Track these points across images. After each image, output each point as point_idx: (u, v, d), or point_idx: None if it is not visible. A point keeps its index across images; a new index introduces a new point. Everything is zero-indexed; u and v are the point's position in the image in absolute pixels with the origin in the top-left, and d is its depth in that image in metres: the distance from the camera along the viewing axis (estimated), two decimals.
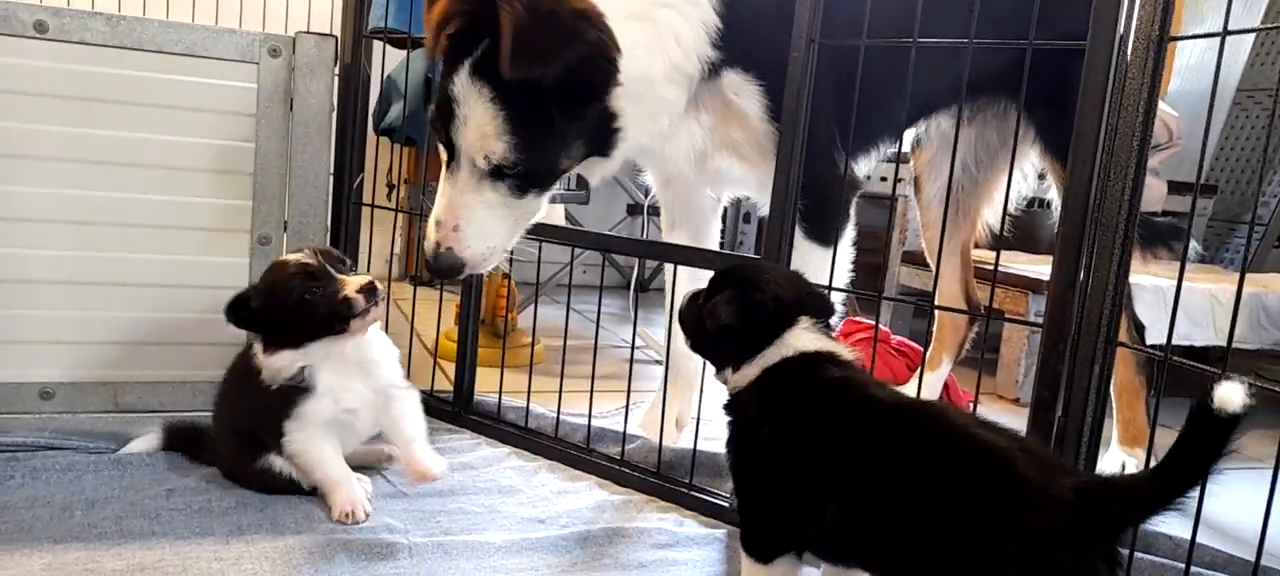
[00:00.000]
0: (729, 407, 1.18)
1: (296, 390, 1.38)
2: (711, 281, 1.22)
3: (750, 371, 1.14)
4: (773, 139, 1.47)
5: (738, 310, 1.14)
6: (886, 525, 0.98)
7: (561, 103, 1.32)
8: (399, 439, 1.45)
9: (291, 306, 1.35)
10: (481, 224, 1.38)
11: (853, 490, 1.01)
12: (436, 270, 1.40)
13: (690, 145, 1.54)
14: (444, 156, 1.41)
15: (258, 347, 1.40)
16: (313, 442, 1.40)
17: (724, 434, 1.19)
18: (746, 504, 1.16)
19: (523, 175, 1.37)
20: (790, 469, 1.07)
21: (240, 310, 1.38)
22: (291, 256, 1.41)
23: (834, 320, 1.28)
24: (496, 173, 1.35)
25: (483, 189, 1.37)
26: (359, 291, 1.37)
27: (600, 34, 1.28)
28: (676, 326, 1.78)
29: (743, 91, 1.49)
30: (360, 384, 1.43)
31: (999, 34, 1.44)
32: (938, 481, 0.95)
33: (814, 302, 1.18)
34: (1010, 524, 0.89)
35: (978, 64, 1.43)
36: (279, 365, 1.38)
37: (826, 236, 1.53)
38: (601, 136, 1.40)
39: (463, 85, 1.31)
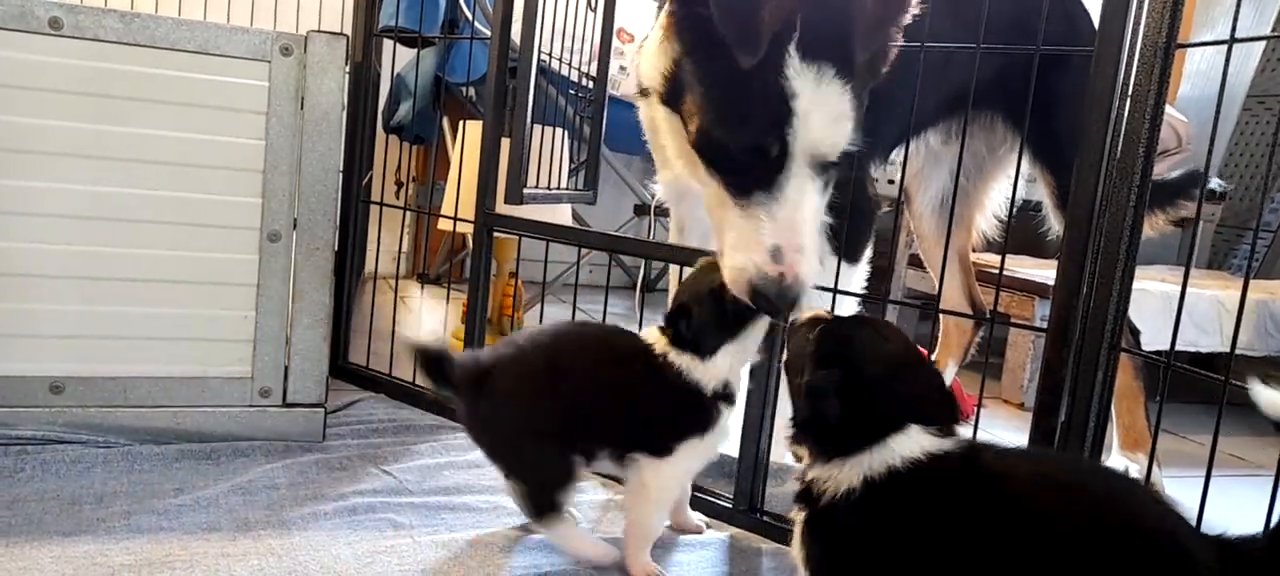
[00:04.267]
0: (812, 505, 1.01)
1: (723, 399, 1.28)
2: (831, 332, 1.05)
3: (845, 474, 0.97)
4: None
5: (842, 405, 0.97)
6: None
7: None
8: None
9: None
10: (816, 233, 1.18)
11: None
12: (789, 304, 1.15)
13: None
14: (734, 182, 1.19)
15: (684, 358, 1.27)
16: (686, 475, 1.35)
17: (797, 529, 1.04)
18: None
19: (847, 158, 1.20)
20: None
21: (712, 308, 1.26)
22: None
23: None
24: (823, 167, 1.18)
25: (813, 192, 1.17)
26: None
27: None
28: None
29: None
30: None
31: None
32: None
33: (936, 408, 1.00)
34: None
35: (961, 79, 1.44)
36: (717, 368, 1.27)
37: (850, 252, 1.55)
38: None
39: (799, 73, 1.11)
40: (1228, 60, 1.23)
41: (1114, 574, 0.86)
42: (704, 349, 1.27)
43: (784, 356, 1.13)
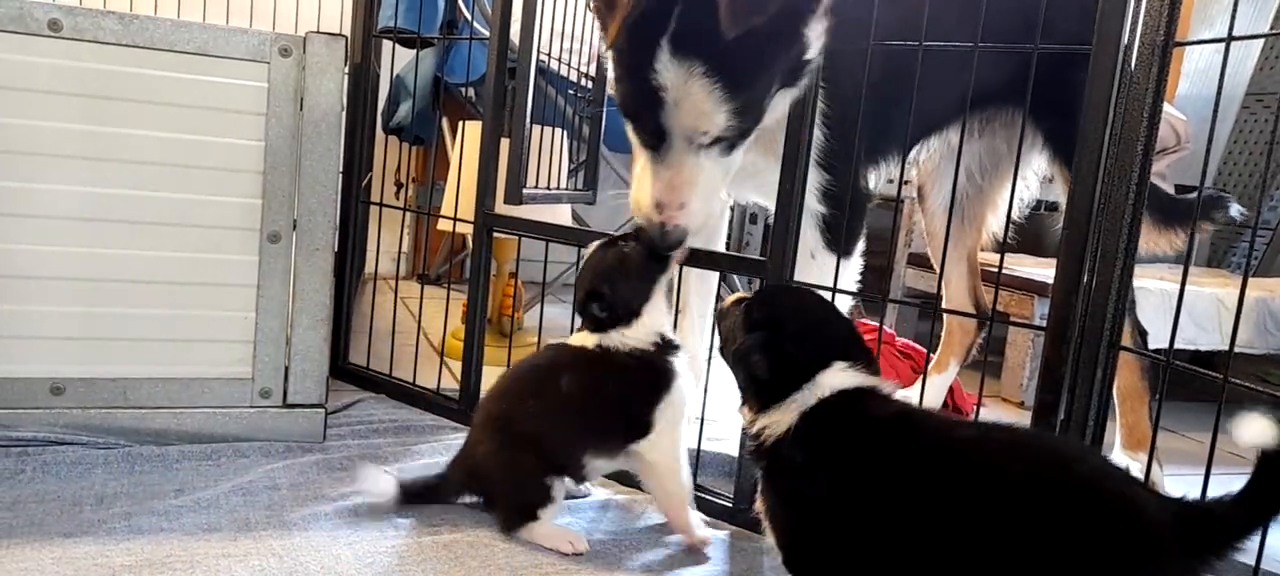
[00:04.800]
0: (763, 455, 1.11)
1: (666, 350, 1.36)
2: (755, 302, 1.19)
3: (784, 416, 1.08)
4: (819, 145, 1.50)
5: (768, 360, 1.10)
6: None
7: (772, 44, 1.28)
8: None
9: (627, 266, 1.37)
10: (704, 194, 1.35)
11: (932, 532, 0.95)
12: (667, 247, 1.36)
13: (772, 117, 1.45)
14: (639, 140, 1.37)
15: (605, 335, 1.37)
16: (680, 437, 1.38)
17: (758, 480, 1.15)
18: (798, 560, 1.09)
19: (737, 137, 1.33)
20: (853, 517, 1.01)
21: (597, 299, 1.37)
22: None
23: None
24: (710, 142, 1.32)
25: (701, 162, 1.33)
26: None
27: None
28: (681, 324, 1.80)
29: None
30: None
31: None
32: (1053, 522, 0.89)
33: (855, 349, 1.12)
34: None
35: (983, 76, 1.44)
36: (645, 328, 1.36)
37: (844, 245, 1.57)
38: (796, 67, 1.34)
39: (668, 68, 1.24)
40: (1226, 58, 1.23)
41: (1038, 483, 0.92)
42: (628, 316, 1.36)
43: (718, 340, 1.25)
